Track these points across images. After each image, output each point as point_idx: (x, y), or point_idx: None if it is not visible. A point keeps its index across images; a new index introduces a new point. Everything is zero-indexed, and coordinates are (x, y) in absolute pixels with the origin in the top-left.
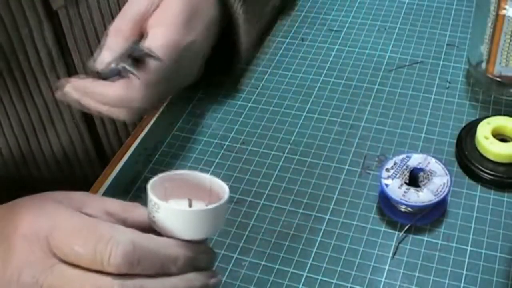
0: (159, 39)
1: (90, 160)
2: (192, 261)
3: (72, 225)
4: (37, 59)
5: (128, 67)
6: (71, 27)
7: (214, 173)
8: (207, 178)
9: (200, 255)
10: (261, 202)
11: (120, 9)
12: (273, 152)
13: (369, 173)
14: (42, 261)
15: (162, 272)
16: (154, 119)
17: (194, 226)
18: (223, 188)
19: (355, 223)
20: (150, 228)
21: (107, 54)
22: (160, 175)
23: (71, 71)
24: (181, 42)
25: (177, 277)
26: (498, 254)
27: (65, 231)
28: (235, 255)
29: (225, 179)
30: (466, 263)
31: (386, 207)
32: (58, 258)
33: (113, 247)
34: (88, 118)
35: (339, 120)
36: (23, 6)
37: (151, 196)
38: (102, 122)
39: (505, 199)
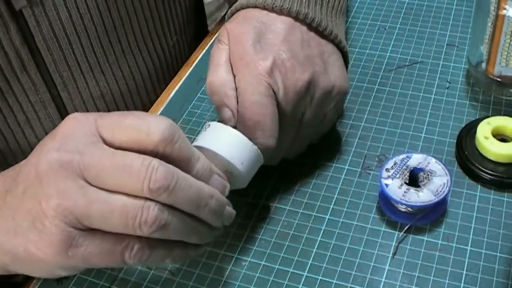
0: None
1: None
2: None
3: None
4: (6, 61)
5: None
6: (38, 26)
7: None
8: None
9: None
10: (261, 202)
11: (87, 6)
12: None
13: (369, 173)
14: (87, 137)
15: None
16: None
17: (233, 147)
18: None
19: (355, 223)
20: None
21: (228, 113)
22: None
23: (43, 71)
24: None
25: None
26: (498, 254)
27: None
28: (235, 255)
29: None
30: (466, 263)
31: (386, 207)
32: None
33: (154, 169)
34: (64, 118)
35: (339, 120)
36: None
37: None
38: None
39: (505, 199)
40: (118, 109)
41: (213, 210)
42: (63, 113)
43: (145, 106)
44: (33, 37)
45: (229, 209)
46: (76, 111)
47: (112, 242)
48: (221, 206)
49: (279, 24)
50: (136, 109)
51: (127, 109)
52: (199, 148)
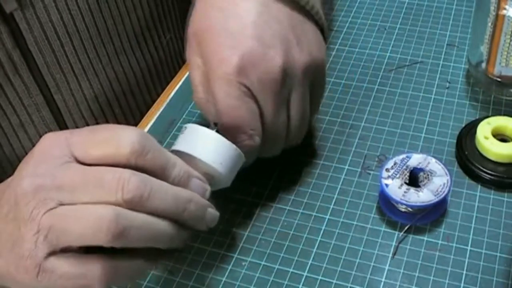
0: None
1: None
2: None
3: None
4: None
5: None
6: (29, 29)
7: None
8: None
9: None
10: (261, 202)
11: (79, 8)
12: None
13: (369, 173)
14: (59, 158)
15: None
16: (153, 119)
17: (209, 148)
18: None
19: (355, 223)
20: None
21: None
22: None
23: (35, 74)
24: None
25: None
26: (498, 254)
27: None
28: (235, 255)
29: None
30: (466, 263)
31: (386, 207)
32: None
33: (125, 180)
34: (59, 120)
35: (339, 120)
36: None
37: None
38: (75, 124)
39: (505, 199)
40: (113, 110)
41: (193, 214)
42: (57, 116)
43: (140, 107)
44: (25, 40)
45: (212, 211)
46: (70, 113)
47: (79, 269)
48: (201, 209)
49: (244, 4)
50: (131, 109)
51: (122, 110)
52: (177, 152)
